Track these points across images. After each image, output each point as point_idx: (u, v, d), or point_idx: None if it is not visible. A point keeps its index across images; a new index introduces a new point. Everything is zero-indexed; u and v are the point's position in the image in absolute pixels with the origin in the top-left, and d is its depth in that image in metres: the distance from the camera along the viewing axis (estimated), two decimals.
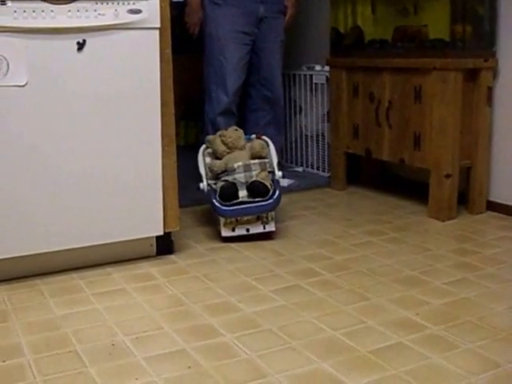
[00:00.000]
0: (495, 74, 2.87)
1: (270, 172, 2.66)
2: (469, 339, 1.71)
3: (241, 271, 2.24)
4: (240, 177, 2.57)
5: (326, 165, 3.60)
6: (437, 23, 2.94)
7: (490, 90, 2.86)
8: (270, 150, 2.77)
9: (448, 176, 2.79)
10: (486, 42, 2.83)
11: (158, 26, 2.20)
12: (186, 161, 4.19)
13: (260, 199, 2.50)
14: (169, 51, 2.26)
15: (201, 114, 3.84)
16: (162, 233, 2.34)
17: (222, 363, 1.61)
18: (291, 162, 3.95)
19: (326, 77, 3.51)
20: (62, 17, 2.04)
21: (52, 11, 2.03)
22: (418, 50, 2.96)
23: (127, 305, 1.97)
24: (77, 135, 2.13)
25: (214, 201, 2.51)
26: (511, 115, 2.85)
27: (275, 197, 2.51)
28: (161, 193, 2.30)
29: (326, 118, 3.58)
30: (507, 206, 2.88)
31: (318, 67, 3.68)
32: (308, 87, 3.73)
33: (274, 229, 2.57)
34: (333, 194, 3.34)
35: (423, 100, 2.87)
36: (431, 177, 2.85)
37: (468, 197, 2.94)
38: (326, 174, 3.57)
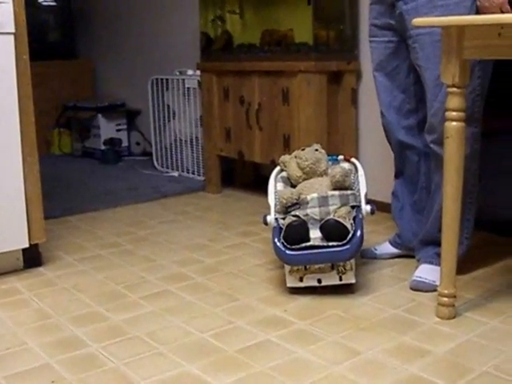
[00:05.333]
0: (358, 76, 3.00)
1: (353, 207, 2.09)
2: (333, 331, 1.78)
3: (110, 279, 2.20)
4: (314, 212, 2.03)
5: (201, 169, 3.62)
6: (301, 27, 3.03)
7: (355, 91, 2.98)
8: (358, 178, 2.21)
9: None
10: (348, 45, 2.95)
11: (13, 30, 2.12)
12: (60, 170, 4.10)
13: (335, 243, 1.96)
14: (26, 57, 2.19)
15: None
16: (27, 245, 2.25)
17: (88, 374, 1.57)
18: (167, 167, 3.93)
19: (198, 81, 3.52)
20: None
21: None
22: (284, 53, 3.04)
23: None
24: None
25: (277, 242, 1.98)
26: (374, 115, 2.98)
27: (354, 241, 1.94)
28: (24, 204, 2.21)
29: (199, 122, 3.59)
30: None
31: (190, 72, 3.69)
32: (181, 92, 3.72)
33: (353, 281, 2.03)
34: (208, 197, 3.36)
35: (291, 102, 2.94)
36: None
37: None
38: (201, 178, 3.58)
